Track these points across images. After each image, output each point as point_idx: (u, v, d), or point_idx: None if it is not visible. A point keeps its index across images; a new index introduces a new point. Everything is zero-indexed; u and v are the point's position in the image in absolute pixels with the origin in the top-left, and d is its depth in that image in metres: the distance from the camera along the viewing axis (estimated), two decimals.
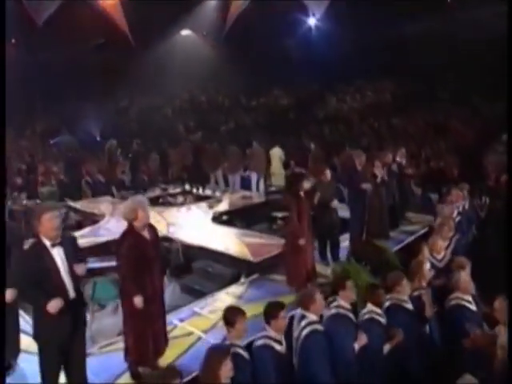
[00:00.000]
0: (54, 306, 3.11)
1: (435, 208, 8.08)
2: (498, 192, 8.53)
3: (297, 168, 10.68)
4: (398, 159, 7.98)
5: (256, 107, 21.29)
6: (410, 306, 3.89)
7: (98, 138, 20.71)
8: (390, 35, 18.06)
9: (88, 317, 5.08)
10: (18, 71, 20.15)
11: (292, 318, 3.66)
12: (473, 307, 3.86)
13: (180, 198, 10.28)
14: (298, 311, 3.48)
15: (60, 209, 3.47)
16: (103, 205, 9.52)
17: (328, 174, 6.21)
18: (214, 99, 23.04)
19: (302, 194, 5.15)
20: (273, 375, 3.20)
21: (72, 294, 3.34)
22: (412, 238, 6.95)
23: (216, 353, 3.01)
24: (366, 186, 6.27)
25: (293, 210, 5.09)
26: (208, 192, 10.95)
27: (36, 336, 3.35)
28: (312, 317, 3.33)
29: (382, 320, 3.81)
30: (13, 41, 23.47)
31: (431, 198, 8.76)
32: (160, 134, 20.00)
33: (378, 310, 3.83)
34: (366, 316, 3.81)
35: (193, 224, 7.69)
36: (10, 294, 3.68)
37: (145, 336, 3.64)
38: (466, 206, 6.98)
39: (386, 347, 3.68)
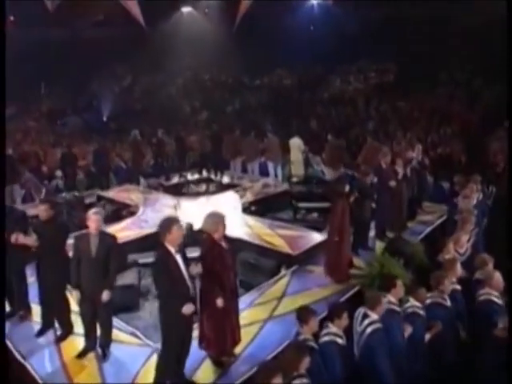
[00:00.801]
0: (189, 309, 3.79)
1: (447, 197, 8.74)
2: (504, 180, 9.12)
3: (311, 155, 11.24)
4: (414, 155, 8.47)
5: (259, 87, 21.46)
6: (448, 303, 4.49)
7: (105, 119, 20.92)
8: (392, 15, 18.30)
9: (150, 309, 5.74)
10: (18, 50, 20.07)
11: None
12: (501, 302, 4.48)
13: (203, 186, 10.71)
14: (361, 309, 4.06)
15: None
16: (133, 194, 9.91)
17: (370, 177, 6.73)
18: (217, 78, 23.14)
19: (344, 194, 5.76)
20: (339, 365, 3.79)
21: (192, 292, 3.96)
22: (429, 228, 7.55)
23: (298, 348, 3.59)
24: (392, 183, 6.85)
25: (337, 209, 5.67)
26: (226, 179, 11.45)
27: (166, 334, 3.94)
28: (374, 316, 3.88)
29: (423, 313, 4.40)
30: (11, 18, 23.13)
31: (443, 186, 9.30)
32: (166, 115, 20.24)
33: (420, 305, 4.43)
34: (410, 310, 4.38)
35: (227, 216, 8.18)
36: (106, 295, 4.27)
37: (224, 330, 4.20)
38: (480, 198, 7.57)
39: (427, 336, 4.31)
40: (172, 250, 3.83)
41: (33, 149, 14.06)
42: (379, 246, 6.78)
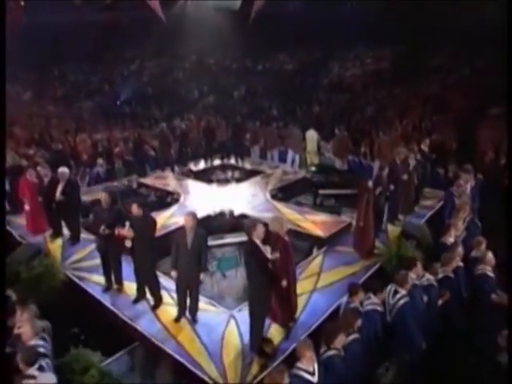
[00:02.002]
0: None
1: (443, 183, 9.90)
2: (493, 169, 10.28)
3: (322, 143, 12.32)
4: (422, 147, 9.63)
5: (262, 71, 22.17)
6: (453, 275, 5.75)
7: (118, 103, 21.47)
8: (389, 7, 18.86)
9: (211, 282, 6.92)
10: (29, 35, 20.43)
11: None
12: (493, 275, 5.73)
13: (229, 173, 11.72)
14: (391, 286, 5.26)
15: None
16: (170, 181, 10.96)
17: (386, 170, 7.87)
18: (221, 62, 23.73)
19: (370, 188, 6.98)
20: (379, 326, 5.02)
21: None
22: (431, 212, 8.78)
23: (352, 312, 4.83)
24: (405, 177, 8.07)
25: (363, 199, 6.89)
26: (248, 165, 12.50)
27: (253, 303, 5.09)
28: (403, 292, 5.09)
29: (436, 284, 5.67)
30: (22, 3, 23.23)
31: (439, 173, 10.46)
32: (175, 99, 20.93)
33: (433, 278, 5.68)
34: (425, 282, 5.63)
35: (260, 202, 9.33)
36: (199, 278, 5.45)
37: (288, 303, 5.45)
38: (473, 185, 8.75)
39: (439, 302, 5.58)
40: (257, 241, 4.96)
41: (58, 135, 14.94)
42: (390, 228, 8.02)
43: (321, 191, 9.67)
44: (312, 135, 11.46)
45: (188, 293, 5.62)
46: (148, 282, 6.07)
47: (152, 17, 21.66)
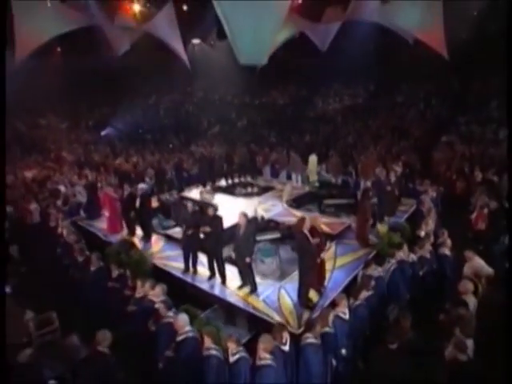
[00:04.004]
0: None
1: (412, 193, 11.81)
2: (446, 183, 12.28)
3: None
4: (395, 168, 11.58)
5: (259, 105, 24.07)
6: (428, 254, 7.52)
7: (140, 131, 22.98)
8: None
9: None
10: (65, 76, 21.92)
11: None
12: (449, 253, 7.49)
13: (248, 188, 13.35)
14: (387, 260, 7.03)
15: None
16: (206, 195, 12.51)
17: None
18: (224, 97, 25.51)
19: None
20: (384, 286, 6.76)
21: None
22: (407, 215, 10.65)
23: (368, 277, 6.56)
24: (388, 188, 9.95)
25: (365, 204, 8.70)
26: (262, 182, 14.18)
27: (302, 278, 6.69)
28: (393, 261, 6.91)
29: (416, 261, 7.43)
30: (58, 49, 24.73)
31: (409, 186, 12.39)
32: (188, 128, 22.53)
33: (415, 257, 7.46)
34: (411, 260, 7.40)
35: (279, 210, 11.01)
36: (248, 259, 7.10)
37: (322, 275, 7.14)
38: (434, 195, 10.72)
39: (421, 272, 7.36)
40: (306, 231, 6.64)
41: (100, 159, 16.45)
42: (379, 226, 9.82)
43: (325, 201, 11.42)
44: (313, 159, 13.27)
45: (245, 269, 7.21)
46: (218, 264, 7.64)
47: (167, 59, 23.32)
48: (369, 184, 9.72)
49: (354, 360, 5.86)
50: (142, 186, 9.52)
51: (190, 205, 7.91)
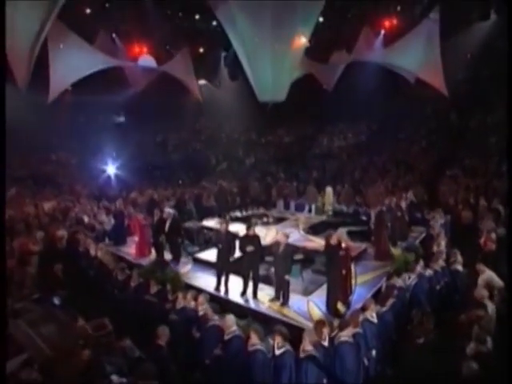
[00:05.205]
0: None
1: (421, 221, 12.82)
2: (454, 212, 13.30)
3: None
4: (409, 196, 12.69)
5: (265, 143, 25.46)
6: (440, 270, 8.41)
7: (150, 167, 24.10)
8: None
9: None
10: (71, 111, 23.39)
11: None
12: (462, 269, 8.42)
13: (264, 219, 14.31)
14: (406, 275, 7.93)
15: None
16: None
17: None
18: (231, 135, 26.98)
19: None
20: (406, 295, 7.61)
21: None
22: (419, 240, 11.59)
23: (392, 287, 7.43)
24: (399, 214, 11.00)
25: (382, 227, 9.70)
26: (275, 213, 15.19)
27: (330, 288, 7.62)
28: (413, 275, 7.81)
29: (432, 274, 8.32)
30: (69, 88, 26.27)
31: (418, 216, 13.42)
32: (196, 165, 23.67)
33: (431, 271, 8.35)
34: (427, 274, 8.30)
35: (297, 237, 11.90)
36: (287, 277, 7.98)
37: (348, 288, 7.99)
38: (443, 221, 11.76)
39: (438, 286, 8.22)
40: (334, 243, 7.56)
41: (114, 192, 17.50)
42: (393, 250, 10.73)
43: (339, 229, 12.32)
44: (329, 190, 14.44)
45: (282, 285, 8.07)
46: (254, 280, 8.47)
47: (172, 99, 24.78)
48: (382, 208, 10.75)
49: (383, 362, 6.60)
50: (168, 210, 10.46)
51: (224, 227, 8.80)
